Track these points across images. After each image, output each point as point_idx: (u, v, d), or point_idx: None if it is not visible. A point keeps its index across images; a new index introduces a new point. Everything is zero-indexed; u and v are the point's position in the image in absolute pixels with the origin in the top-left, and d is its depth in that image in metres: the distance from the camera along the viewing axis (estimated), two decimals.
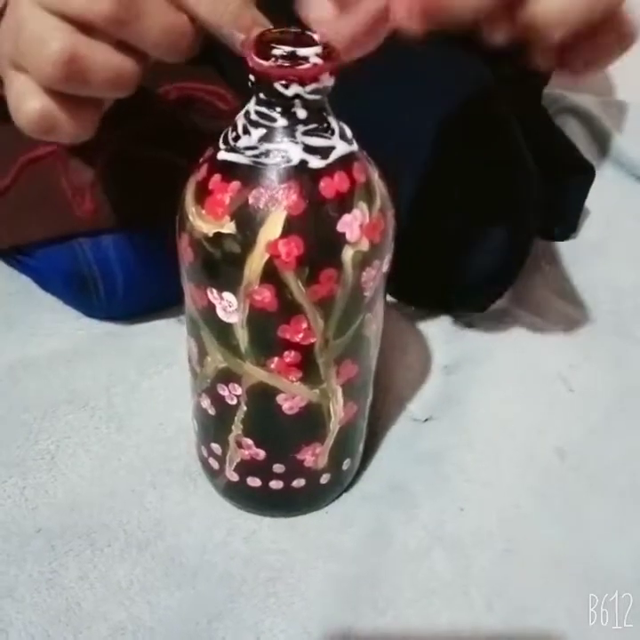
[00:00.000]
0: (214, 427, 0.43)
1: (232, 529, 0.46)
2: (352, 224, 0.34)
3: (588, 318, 0.63)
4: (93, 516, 0.46)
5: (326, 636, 0.42)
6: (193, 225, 0.35)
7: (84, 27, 0.32)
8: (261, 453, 0.42)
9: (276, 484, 0.44)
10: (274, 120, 0.33)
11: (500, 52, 0.63)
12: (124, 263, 0.54)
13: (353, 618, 0.43)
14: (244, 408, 0.40)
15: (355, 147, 0.35)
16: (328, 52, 0.31)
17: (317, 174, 0.33)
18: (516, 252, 0.57)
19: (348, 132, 0.35)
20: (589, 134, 0.81)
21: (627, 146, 0.80)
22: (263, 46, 0.31)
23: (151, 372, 0.55)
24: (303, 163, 0.33)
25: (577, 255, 0.70)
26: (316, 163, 0.33)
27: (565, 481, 0.50)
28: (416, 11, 0.31)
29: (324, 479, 0.45)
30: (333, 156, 0.33)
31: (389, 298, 0.60)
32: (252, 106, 0.33)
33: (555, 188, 0.60)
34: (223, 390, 0.40)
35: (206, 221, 0.34)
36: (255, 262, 0.34)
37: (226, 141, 0.34)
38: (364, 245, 0.35)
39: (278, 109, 0.32)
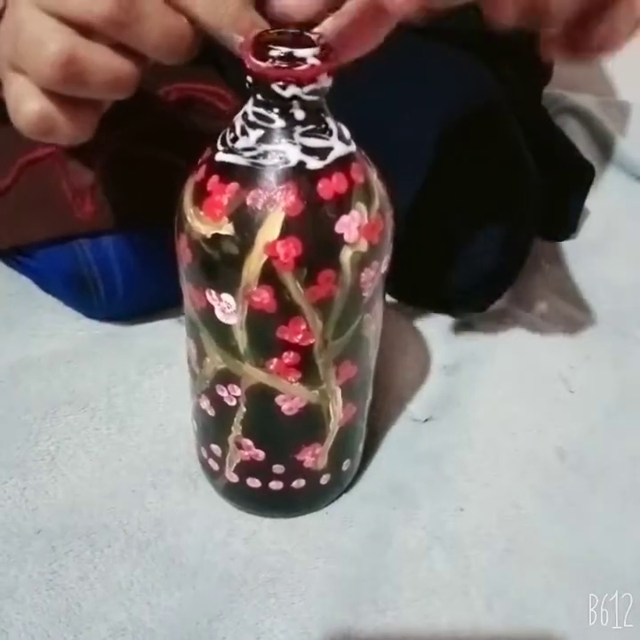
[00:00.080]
0: (214, 428, 0.43)
1: (232, 529, 0.46)
2: (350, 225, 0.34)
3: (588, 318, 0.63)
4: (94, 516, 0.46)
5: (326, 636, 0.42)
6: (191, 226, 0.35)
7: (82, 29, 0.32)
8: (261, 454, 0.42)
9: (275, 485, 0.44)
10: (271, 121, 0.33)
11: (500, 52, 0.64)
12: (124, 264, 0.54)
13: (353, 618, 0.43)
14: (244, 409, 0.40)
15: (353, 147, 0.35)
16: (326, 53, 0.31)
17: (315, 175, 0.33)
18: (515, 252, 0.57)
19: (346, 133, 0.35)
20: (589, 134, 0.81)
21: (627, 146, 0.80)
22: (261, 47, 0.31)
23: (152, 373, 0.55)
24: (301, 164, 0.33)
25: (577, 255, 0.70)
26: (313, 164, 0.33)
27: (565, 481, 0.50)
28: None
29: (324, 480, 0.45)
30: (331, 157, 0.33)
31: (389, 298, 0.60)
32: (249, 107, 0.33)
33: (555, 188, 0.60)
34: (222, 391, 0.40)
35: (204, 223, 0.34)
36: (253, 263, 0.34)
37: (224, 142, 0.34)
38: (363, 246, 0.35)
39: (276, 110, 0.32)
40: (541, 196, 0.56)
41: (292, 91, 0.31)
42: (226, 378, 0.39)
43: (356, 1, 0.32)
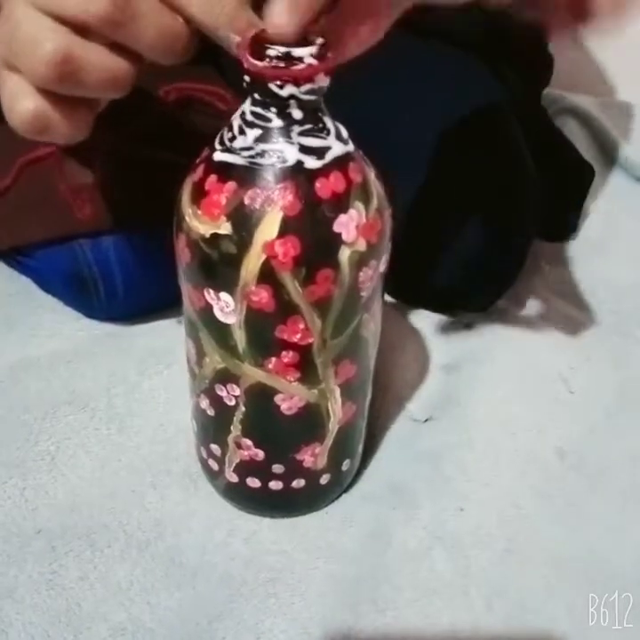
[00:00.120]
0: (213, 427, 0.43)
1: (232, 530, 0.46)
2: (348, 224, 0.34)
3: (588, 318, 0.63)
4: (93, 516, 0.46)
5: (327, 636, 0.42)
6: (189, 226, 0.35)
7: (78, 28, 0.31)
8: (260, 454, 0.42)
9: (275, 485, 0.44)
10: (269, 120, 0.33)
11: (500, 52, 0.64)
12: (124, 264, 0.54)
13: (353, 618, 0.43)
14: (243, 408, 0.40)
15: (351, 147, 0.35)
16: (323, 53, 0.31)
17: (313, 174, 0.33)
18: (515, 253, 0.57)
19: (344, 133, 0.35)
20: (589, 135, 0.81)
21: (626, 146, 0.80)
22: (258, 47, 0.31)
23: (151, 373, 0.55)
24: (299, 163, 0.33)
25: (577, 255, 0.70)
26: (311, 163, 0.33)
27: (565, 481, 0.50)
28: None
29: (324, 479, 0.45)
30: (329, 157, 0.33)
31: (389, 298, 0.60)
32: (247, 106, 0.33)
33: (555, 189, 0.60)
34: (221, 391, 0.40)
35: (203, 222, 0.34)
36: (252, 263, 0.34)
37: (222, 142, 0.34)
38: (361, 245, 0.35)
39: (273, 110, 0.32)
40: (541, 197, 0.56)
41: (289, 90, 0.31)
42: (225, 377, 0.39)
43: None
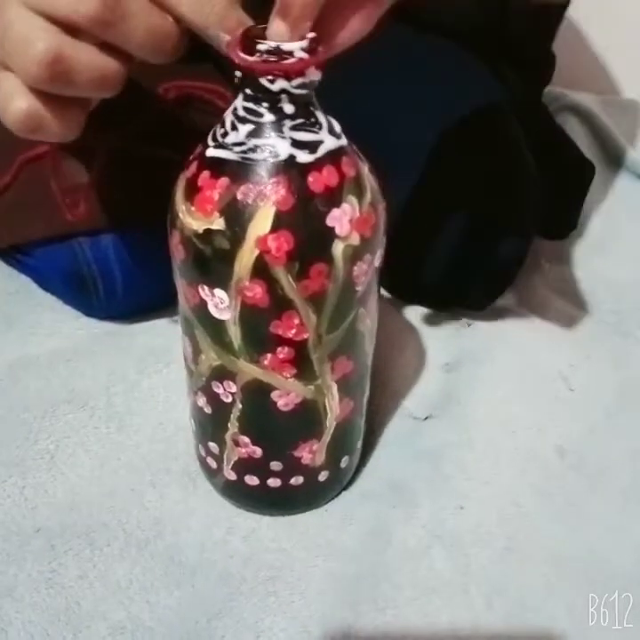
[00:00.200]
0: (211, 425, 0.43)
1: (231, 528, 0.46)
2: (342, 218, 0.34)
3: (588, 317, 0.62)
4: (93, 515, 0.46)
5: (326, 634, 0.42)
6: (183, 222, 0.35)
7: (69, 28, 0.32)
8: (258, 451, 0.42)
9: (273, 482, 0.44)
10: (261, 115, 0.33)
11: (499, 51, 0.63)
12: (123, 262, 0.54)
13: (353, 616, 0.42)
14: (240, 406, 0.40)
15: (343, 141, 0.35)
16: (314, 46, 0.31)
17: (306, 169, 0.33)
18: (515, 251, 0.57)
19: (337, 127, 0.35)
20: (590, 133, 0.81)
21: (627, 144, 0.80)
22: (248, 42, 0.31)
23: (151, 371, 0.55)
24: (291, 157, 0.33)
25: (577, 254, 0.69)
26: (304, 157, 0.33)
27: (565, 480, 0.50)
28: None
29: (323, 477, 0.45)
30: (322, 151, 0.33)
31: (389, 296, 0.60)
32: (239, 102, 0.33)
33: (555, 186, 0.60)
34: (218, 388, 0.40)
35: (196, 218, 0.34)
36: (245, 258, 0.34)
37: (214, 138, 0.34)
38: (355, 240, 0.35)
39: (265, 105, 0.32)
40: (541, 196, 0.56)
41: (280, 84, 0.31)
42: (221, 374, 0.39)
43: None
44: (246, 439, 0.42)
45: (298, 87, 0.32)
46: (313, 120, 0.33)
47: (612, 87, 0.94)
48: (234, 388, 0.39)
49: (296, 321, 0.36)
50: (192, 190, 0.34)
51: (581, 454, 0.52)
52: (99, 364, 0.55)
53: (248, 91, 0.32)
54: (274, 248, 0.33)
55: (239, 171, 0.33)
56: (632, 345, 0.60)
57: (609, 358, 0.59)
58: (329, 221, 0.34)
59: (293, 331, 0.36)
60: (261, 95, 0.32)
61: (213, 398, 0.41)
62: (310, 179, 0.33)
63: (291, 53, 0.31)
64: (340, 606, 0.43)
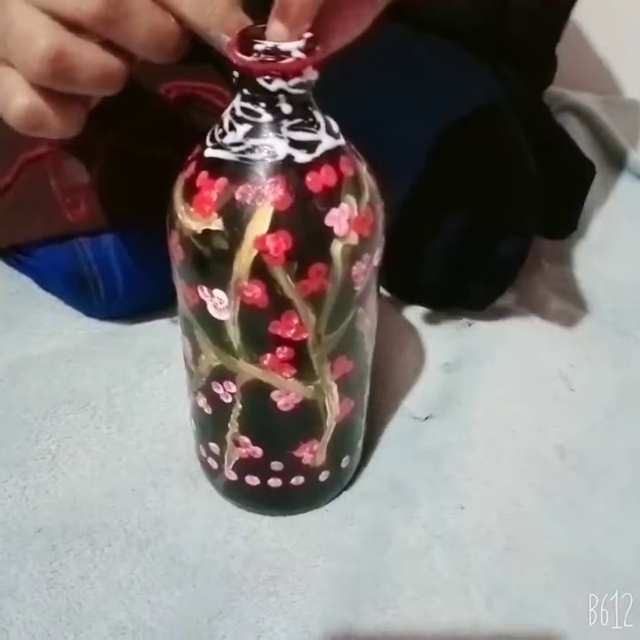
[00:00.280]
0: (211, 426, 0.43)
1: (232, 528, 0.46)
2: (340, 218, 0.34)
3: (588, 317, 0.62)
4: (94, 515, 0.46)
5: (327, 634, 0.42)
6: (182, 223, 0.35)
7: (72, 25, 0.32)
8: (259, 451, 0.42)
9: (274, 482, 0.44)
10: (259, 115, 0.33)
11: (500, 51, 0.63)
12: (124, 262, 0.54)
13: (354, 616, 0.42)
14: (240, 406, 0.40)
15: (341, 140, 0.35)
16: (311, 46, 0.31)
17: (304, 169, 0.33)
18: (515, 251, 0.57)
19: (335, 127, 0.35)
20: (590, 132, 0.81)
21: (628, 144, 0.79)
22: (246, 42, 0.31)
23: (152, 372, 0.55)
24: (289, 157, 0.33)
25: (577, 253, 0.69)
26: (302, 157, 0.33)
27: (566, 479, 0.50)
28: None
29: (323, 477, 0.45)
30: (320, 150, 0.33)
31: (389, 295, 0.60)
32: (236, 102, 0.33)
33: (555, 186, 0.60)
34: (218, 388, 0.40)
35: (194, 219, 0.34)
36: (244, 258, 0.34)
37: (212, 138, 0.34)
38: (353, 239, 0.35)
39: (263, 105, 0.32)
40: (542, 195, 0.56)
41: (277, 84, 0.31)
42: (221, 375, 0.39)
43: None
44: (246, 439, 0.42)
45: (295, 87, 0.32)
46: (311, 120, 0.33)
47: (613, 87, 0.94)
48: (234, 389, 0.39)
49: (295, 321, 0.36)
50: (190, 191, 0.34)
51: (581, 454, 0.52)
52: (99, 365, 0.55)
53: (246, 91, 0.32)
54: (272, 248, 0.33)
55: (237, 171, 0.33)
56: (632, 345, 0.60)
57: (609, 358, 0.59)
58: (327, 221, 0.34)
59: (292, 331, 0.36)
60: (259, 95, 0.32)
61: (213, 399, 0.41)
62: (308, 178, 0.33)
63: (288, 53, 0.31)
64: (341, 606, 0.43)
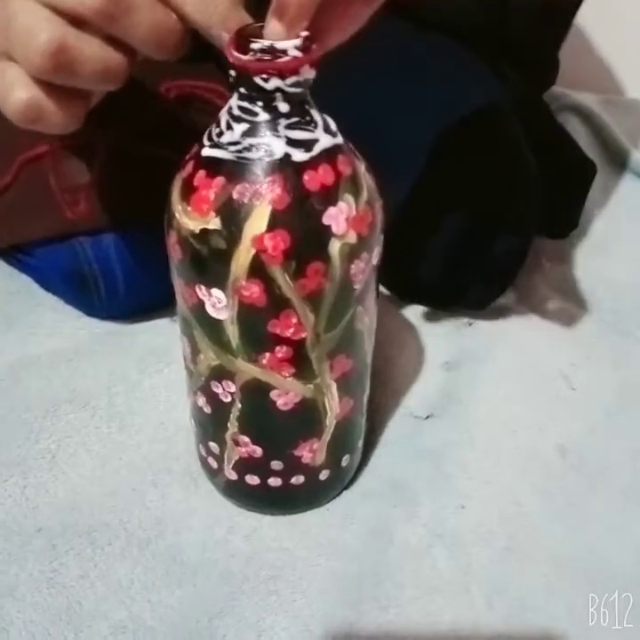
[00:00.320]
0: (211, 425, 0.43)
1: (233, 527, 0.46)
2: (338, 217, 0.34)
3: (588, 316, 0.62)
4: (94, 514, 0.46)
5: (328, 633, 0.42)
6: (179, 222, 0.35)
7: (74, 20, 0.32)
8: (258, 451, 0.42)
9: (274, 482, 0.44)
10: (256, 114, 0.33)
11: (500, 50, 0.63)
12: (124, 262, 0.54)
13: (355, 615, 0.42)
14: (239, 405, 0.40)
15: (339, 139, 0.35)
16: (307, 45, 0.31)
17: (301, 167, 0.33)
18: (516, 251, 0.57)
19: (332, 125, 0.35)
20: (591, 132, 0.81)
21: (629, 144, 0.79)
22: (242, 40, 0.31)
23: (152, 371, 0.55)
24: (286, 156, 0.33)
25: (578, 253, 0.69)
26: (299, 156, 0.33)
27: (566, 479, 0.50)
28: None
29: (323, 476, 0.45)
30: (317, 149, 0.33)
31: (390, 295, 0.60)
32: (234, 101, 0.33)
33: (556, 186, 0.60)
34: (217, 388, 0.40)
35: (192, 218, 0.34)
36: (242, 257, 0.34)
37: (210, 137, 0.34)
38: (352, 238, 0.35)
39: (260, 103, 0.32)
40: (542, 195, 0.56)
41: (274, 83, 0.31)
42: (220, 374, 0.39)
43: None
44: (246, 439, 0.42)
45: (292, 85, 0.32)
46: (308, 118, 0.33)
47: (614, 87, 0.94)
48: (233, 388, 0.39)
49: (294, 320, 0.36)
50: (188, 190, 0.34)
51: (582, 454, 0.51)
52: (100, 364, 0.55)
53: (242, 90, 0.32)
54: (270, 247, 0.33)
55: (235, 170, 0.33)
56: (632, 345, 0.60)
57: (609, 358, 0.59)
58: (325, 220, 0.34)
59: (291, 330, 0.36)
60: (256, 94, 0.32)
61: (213, 398, 0.41)
62: (306, 177, 0.33)
63: (284, 52, 0.31)
64: (342, 605, 0.43)
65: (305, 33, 0.31)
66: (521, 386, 0.56)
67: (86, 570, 0.44)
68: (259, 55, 0.31)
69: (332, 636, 0.42)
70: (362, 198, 0.35)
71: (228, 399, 0.40)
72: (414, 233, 0.55)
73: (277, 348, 0.37)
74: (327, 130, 0.34)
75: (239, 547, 0.45)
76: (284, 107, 0.32)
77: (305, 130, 0.33)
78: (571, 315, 0.62)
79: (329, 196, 0.34)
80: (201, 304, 0.36)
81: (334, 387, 0.40)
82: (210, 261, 0.34)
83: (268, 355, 0.37)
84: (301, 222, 0.33)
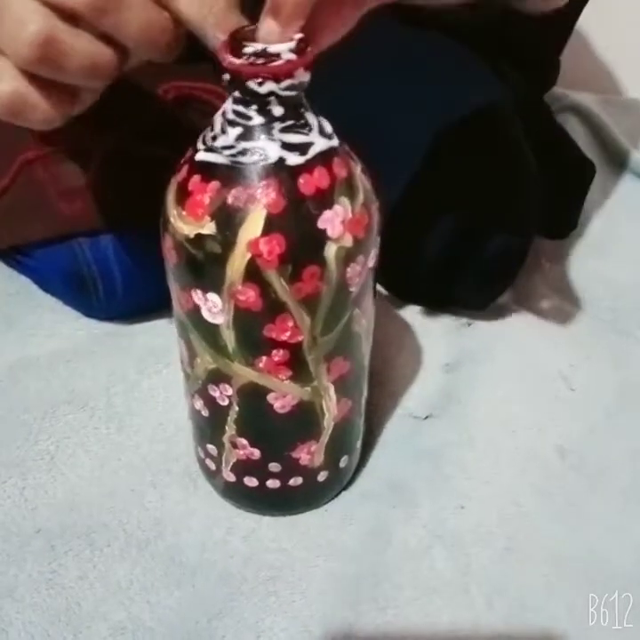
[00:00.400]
0: (209, 428, 0.43)
1: (231, 528, 0.46)
2: (333, 220, 0.34)
3: (588, 317, 0.62)
4: (93, 515, 0.46)
5: (327, 634, 0.42)
6: (174, 227, 0.35)
7: (65, 13, 0.32)
8: (256, 453, 0.42)
9: (272, 483, 0.44)
10: (250, 118, 0.32)
11: (500, 50, 0.63)
12: (123, 263, 0.54)
13: (354, 616, 0.42)
14: (236, 408, 0.40)
15: (335, 142, 0.34)
16: (301, 48, 0.31)
17: (296, 171, 0.33)
18: (515, 251, 0.57)
19: (328, 128, 0.34)
20: (590, 132, 0.81)
21: (628, 144, 0.79)
22: (236, 44, 0.31)
23: (151, 372, 0.55)
24: (281, 160, 0.33)
25: (577, 253, 0.69)
26: (294, 159, 0.33)
27: (566, 479, 0.50)
28: None
29: (322, 477, 0.45)
30: (312, 152, 0.33)
31: (389, 294, 0.60)
32: (228, 105, 0.33)
33: (555, 186, 0.60)
34: (214, 391, 0.40)
35: (187, 223, 0.34)
36: (237, 262, 0.33)
37: (204, 142, 0.34)
38: (348, 241, 0.34)
39: (254, 107, 0.32)
40: (542, 195, 0.56)
41: (268, 87, 0.31)
42: (217, 377, 0.39)
43: None
44: (244, 441, 0.42)
45: (286, 89, 0.31)
46: (302, 122, 0.33)
47: (613, 87, 0.94)
48: (230, 391, 0.39)
49: (290, 324, 0.36)
50: (183, 194, 0.34)
51: (581, 454, 0.51)
52: (99, 365, 0.55)
53: (236, 94, 0.32)
54: (266, 251, 0.33)
55: (229, 174, 0.33)
56: (632, 345, 0.60)
57: (609, 358, 0.58)
58: (321, 223, 0.33)
59: (287, 333, 0.36)
60: (250, 98, 0.32)
61: (210, 401, 0.41)
62: (301, 181, 0.33)
63: (278, 55, 0.31)
64: (341, 606, 0.43)
65: (299, 35, 0.31)
66: (520, 386, 0.56)
67: (85, 571, 0.44)
68: (252, 59, 0.31)
69: (331, 637, 0.42)
70: (358, 201, 0.35)
71: (226, 402, 0.40)
72: (415, 233, 0.54)
73: (274, 351, 0.37)
74: (322, 132, 0.34)
75: (238, 547, 0.45)
76: (278, 110, 0.32)
77: (300, 133, 0.33)
78: (570, 315, 0.62)
79: (324, 199, 0.33)
80: (197, 309, 0.36)
81: (332, 389, 0.40)
82: (205, 266, 0.34)
83: (264, 358, 0.37)
84: (297, 226, 0.33)
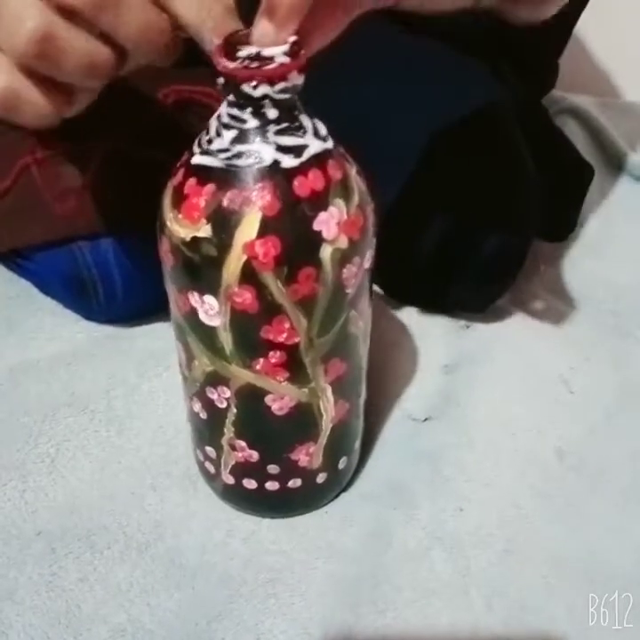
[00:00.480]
0: (207, 430, 0.43)
1: (231, 530, 0.46)
2: (329, 222, 0.34)
3: (587, 319, 0.62)
4: (93, 518, 0.47)
5: (327, 636, 0.42)
6: (171, 230, 0.35)
7: (64, 10, 0.32)
8: (255, 455, 0.42)
9: (271, 485, 0.44)
10: (244, 121, 0.33)
11: (499, 52, 0.63)
12: (123, 266, 0.54)
13: (353, 618, 0.42)
14: (234, 410, 0.40)
15: (329, 144, 0.35)
16: (295, 51, 0.31)
17: (291, 173, 0.33)
18: (514, 253, 0.57)
19: (323, 130, 0.35)
20: (588, 135, 0.80)
21: (626, 147, 0.79)
22: (230, 48, 0.31)
23: (151, 375, 0.55)
24: (276, 163, 0.33)
25: (576, 255, 0.69)
26: (288, 162, 0.33)
27: (565, 481, 0.50)
28: None
29: (321, 479, 0.45)
30: (307, 155, 0.33)
31: (387, 296, 0.60)
32: (223, 108, 0.33)
33: (554, 188, 0.60)
34: (212, 393, 0.40)
35: (183, 226, 0.34)
36: (233, 264, 0.34)
37: (200, 145, 0.34)
38: (343, 243, 0.35)
39: (248, 110, 0.32)
40: (541, 198, 0.56)
41: (262, 90, 0.31)
42: (215, 380, 0.39)
43: None
44: (242, 443, 0.42)
45: (280, 92, 0.31)
46: (297, 124, 0.33)
47: (611, 90, 0.94)
48: (228, 393, 0.39)
49: (286, 325, 0.36)
50: (179, 198, 0.34)
51: (581, 455, 0.51)
52: (99, 368, 0.56)
53: (231, 97, 0.32)
54: (261, 254, 0.33)
55: (225, 177, 0.33)
56: (632, 346, 0.60)
57: (608, 359, 0.58)
58: (316, 225, 0.34)
59: (284, 335, 0.36)
60: (244, 101, 0.32)
61: (208, 404, 0.41)
62: (296, 183, 0.33)
63: (272, 59, 0.31)
64: (341, 608, 0.43)
65: (293, 38, 0.31)
66: (520, 388, 0.56)
67: (85, 573, 0.44)
68: (246, 62, 0.31)
69: (331, 639, 0.41)
70: (353, 202, 0.35)
71: (224, 405, 0.40)
72: (413, 233, 0.54)
73: (271, 353, 0.37)
74: (317, 135, 0.34)
75: (238, 550, 0.45)
76: (272, 113, 0.32)
77: (294, 136, 0.33)
78: (569, 317, 0.62)
79: (319, 201, 0.34)
80: (194, 311, 0.36)
81: (329, 390, 0.40)
82: (202, 269, 0.35)
83: (261, 360, 0.37)
84: (292, 228, 0.33)
